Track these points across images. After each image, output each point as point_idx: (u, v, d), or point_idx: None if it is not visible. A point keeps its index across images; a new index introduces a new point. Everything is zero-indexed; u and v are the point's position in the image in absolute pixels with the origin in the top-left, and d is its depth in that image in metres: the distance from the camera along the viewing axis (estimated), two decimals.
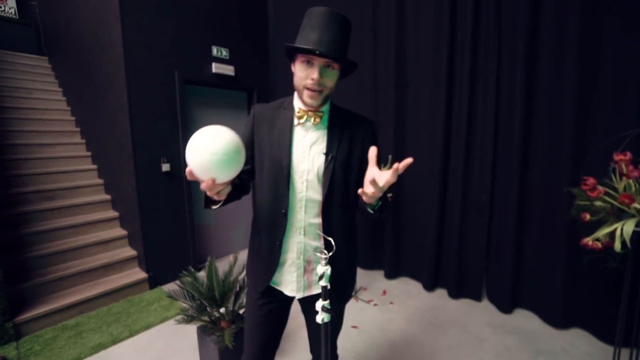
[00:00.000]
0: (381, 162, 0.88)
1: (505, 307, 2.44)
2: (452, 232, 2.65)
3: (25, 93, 4.05)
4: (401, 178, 2.92)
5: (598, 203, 1.47)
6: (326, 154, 0.97)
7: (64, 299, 2.46)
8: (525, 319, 2.36)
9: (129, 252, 3.01)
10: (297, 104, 1.00)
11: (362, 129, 1.04)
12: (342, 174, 0.98)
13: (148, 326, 2.33)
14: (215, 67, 3.25)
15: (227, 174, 0.75)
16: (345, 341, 2.14)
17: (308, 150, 0.98)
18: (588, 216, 1.54)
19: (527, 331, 2.22)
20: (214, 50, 3.27)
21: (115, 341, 2.17)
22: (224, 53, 3.36)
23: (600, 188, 1.46)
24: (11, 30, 5.27)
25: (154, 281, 2.93)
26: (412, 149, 2.87)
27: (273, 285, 1.07)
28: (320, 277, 0.75)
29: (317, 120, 0.97)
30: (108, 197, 3.35)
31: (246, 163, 1.04)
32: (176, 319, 1.80)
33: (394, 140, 2.88)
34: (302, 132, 0.99)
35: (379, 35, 2.89)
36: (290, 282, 1.04)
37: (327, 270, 0.74)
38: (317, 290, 1.05)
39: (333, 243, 0.85)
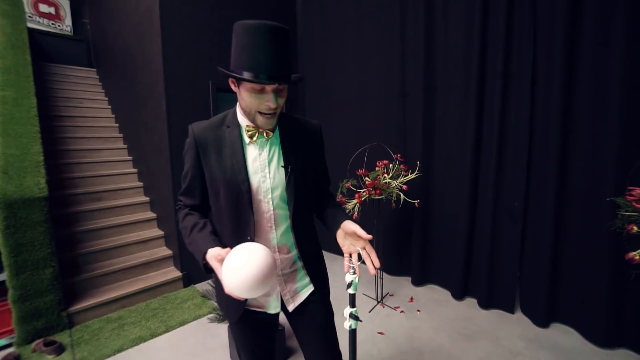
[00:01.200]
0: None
1: (541, 320, 2.31)
2: (483, 240, 2.56)
3: (78, 103, 4.46)
4: (430, 183, 2.88)
5: None
6: (285, 167, 0.93)
7: (109, 293, 2.67)
8: (563, 335, 2.23)
9: (165, 251, 3.21)
10: (244, 121, 0.93)
11: (312, 134, 1.03)
12: (303, 182, 0.96)
13: (182, 322, 2.47)
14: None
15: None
16: (370, 347, 2.14)
17: (267, 168, 0.93)
18: (635, 228, 1.44)
19: (565, 348, 2.09)
20: None
21: (153, 335, 2.32)
22: None
23: None
24: (67, 45, 5.84)
25: (188, 280, 3.09)
26: (440, 154, 2.81)
27: (251, 308, 1.02)
28: (349, 285, 0.77)
29: (270, 134, 0.93)
30: (147, 199, 3.59)
31: (200, 194, 1.00)
32: (209, 317, 1.90)
33: (422, 146, 2.83)
34: (256, 150, 0.93)
35: (407, 37, 2.87)
36: (273, 299, 1.01)
37: (355, 279, 0.77)
38: (302, 298, 1.03)
39: (361, 252, 0.85)
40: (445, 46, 2.68)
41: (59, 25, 5.90)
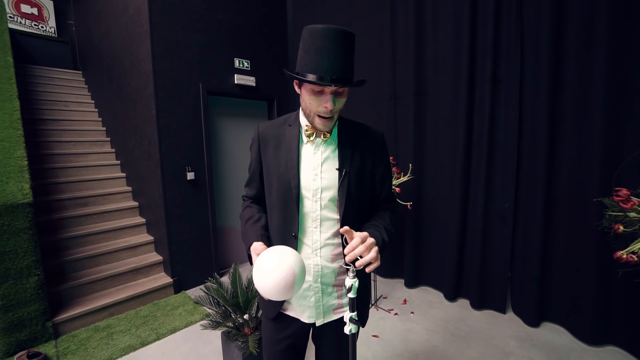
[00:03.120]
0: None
1: (532, 320, 2.35)
2: (475, 241, 2.59)
3: (62, 106, 4.33)
4: (422, 186, 2.90)
5: (632, 214, 1.42)
6: (339, 170, 0.93)
7: (96, 301, 2.59)
8: (553, 333, 2.27)
9: (155, 257, 3.14)
10: (305, 121, 0.96)
11: (373, 141, 1.00)
12: (356, 189, 0.94)
13: (174, 330, 2.41)
14: (237, 78, 3.36)
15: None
16: (365, 350, 2.13)
17: (320, 168, 0.94)
18: (621, 228, 1.48)
19: (555, 346, 2.14)
20: (236, 62, 3.39)
21: (143, 344, 2.26)
22: (246, 64, 3.47)
23: (635, 199, 1.40)
24: (51, 47, 5.70)
25: (179, 286, 3.03)
26: (432, 157, 2.85)
27: (286, 312, 1.02)
28: (349, 290, 0.77)
29: (328, 136, 0.94)
30: (136, 203, 3.51)
31: (258, 186, 1.05)
32: (202, 324, 1.86)
33: (413, 149, 2.87)
34: (311, 149, 0.95)
35: (398, 42, 2.91)
36: (307, 307, 0.98)
37: (355, 282, 0.76)
38: (335, 316, 1.00)
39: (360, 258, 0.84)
40: (435, 51, 2.73)
41: (42, 27, 5.74)
